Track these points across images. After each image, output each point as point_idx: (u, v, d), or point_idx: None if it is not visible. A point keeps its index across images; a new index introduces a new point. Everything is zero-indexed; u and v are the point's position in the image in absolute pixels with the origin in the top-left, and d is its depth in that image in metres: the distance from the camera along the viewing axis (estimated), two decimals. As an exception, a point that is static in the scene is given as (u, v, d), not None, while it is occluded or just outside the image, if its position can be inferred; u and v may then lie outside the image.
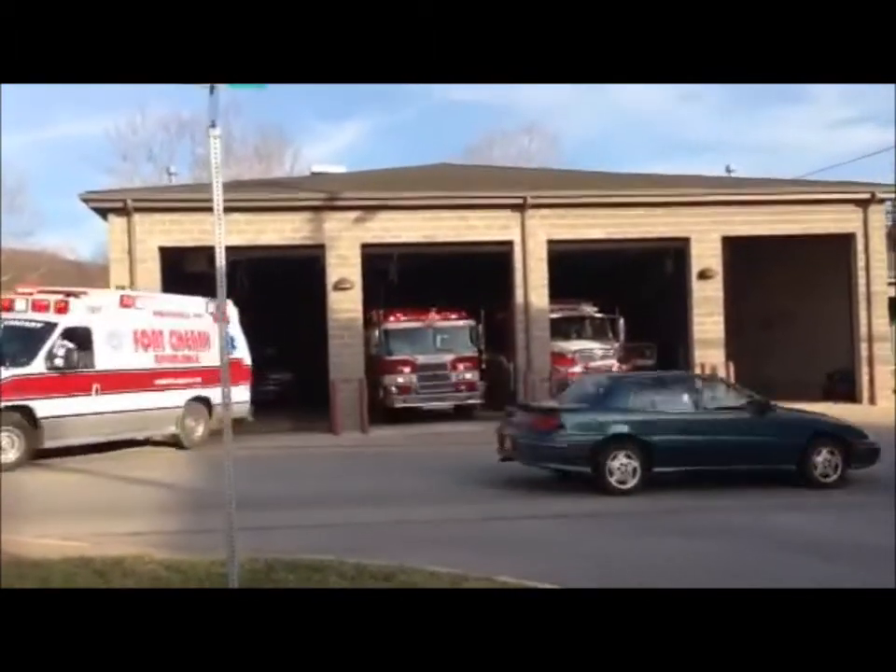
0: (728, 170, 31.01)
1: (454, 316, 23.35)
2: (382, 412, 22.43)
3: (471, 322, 23.40)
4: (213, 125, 5.53)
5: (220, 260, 5.88)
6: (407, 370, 22.72)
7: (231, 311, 18.57)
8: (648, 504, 11.21)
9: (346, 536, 9.28)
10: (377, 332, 23.32)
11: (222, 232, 5.78)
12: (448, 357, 22.86)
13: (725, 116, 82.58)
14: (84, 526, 9.54)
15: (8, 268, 40.30)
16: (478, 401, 23.10)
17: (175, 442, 17.94)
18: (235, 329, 19.15)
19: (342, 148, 71.35)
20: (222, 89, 5.24)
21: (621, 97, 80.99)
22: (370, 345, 23.45)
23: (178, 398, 17.92)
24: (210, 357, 18.30)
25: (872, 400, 23.07)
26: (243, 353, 19.37)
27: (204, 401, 18.25)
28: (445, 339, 23.04)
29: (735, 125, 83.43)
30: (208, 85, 5.20)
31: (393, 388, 22.66)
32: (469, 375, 23.00)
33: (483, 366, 23.68)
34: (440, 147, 74.46)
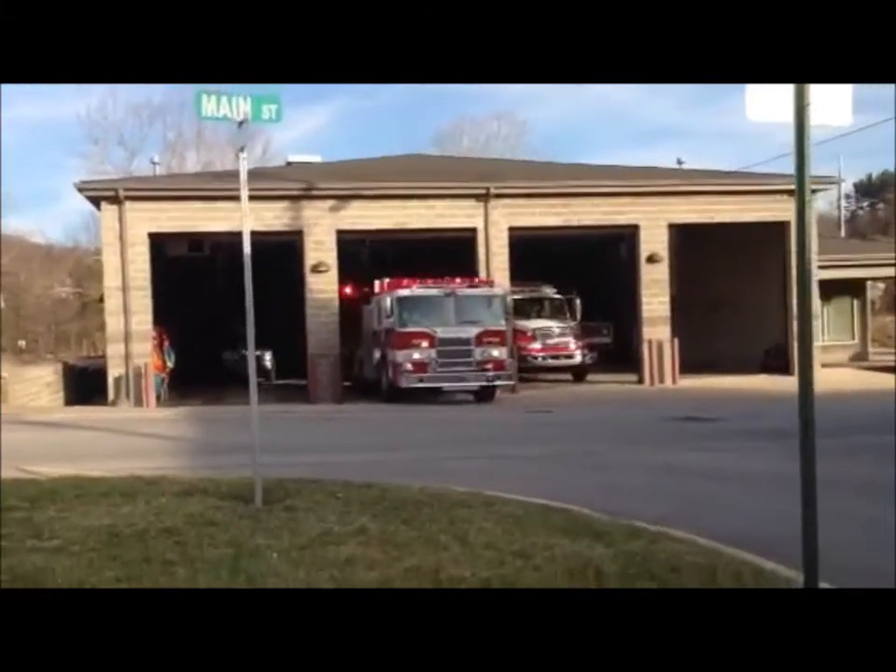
0: (679, 162, 33.31)
1: (480, 283, 21.23)
2: (388, 391, 20.83)
3: (500, 290, 21.12)
4: (241, 150, 7.38)
5: (247, 267, 7.72)
6: (424, 344, 20.04)
7: None
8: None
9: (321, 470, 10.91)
10: (388, 301, 20.71)
11: (247, 233, 7.63)
12: (473, 331, 20.23)
13: (690, 106, 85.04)
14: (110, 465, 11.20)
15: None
16: (508, 382, 20.90)
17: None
18: None
19: (313, 134, 73.01)
20: (248, 123, 7.07)
21: (590, 86, 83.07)
22: (374, 318, 21.94)
23: None
24: None
25: (803, 373, 25.31)
26: None
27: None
28: (470, 309, 20.54)
29: (698, 115, 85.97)
30: (238, 119, 7.03)
31: (408, 365, 20.00)
32: (496, 352, 20.33)
33: None
34: (411, 132, 76.45)
